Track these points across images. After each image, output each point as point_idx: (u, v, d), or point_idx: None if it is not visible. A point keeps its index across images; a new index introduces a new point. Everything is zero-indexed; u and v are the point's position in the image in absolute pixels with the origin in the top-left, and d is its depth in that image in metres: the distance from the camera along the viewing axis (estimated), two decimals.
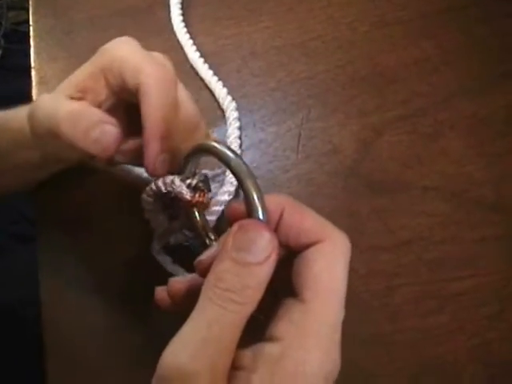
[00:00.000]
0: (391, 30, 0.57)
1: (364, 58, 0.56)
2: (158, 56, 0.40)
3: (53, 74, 0.57)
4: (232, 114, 0.52)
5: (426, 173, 0.49)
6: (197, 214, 0.39)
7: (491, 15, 0.57)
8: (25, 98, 0.50)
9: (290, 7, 0.59)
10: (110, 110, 0.39)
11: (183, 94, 0.40)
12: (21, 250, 0.78)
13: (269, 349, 0.26)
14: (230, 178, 0.47)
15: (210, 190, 0.39)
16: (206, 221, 0.40)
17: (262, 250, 0.25)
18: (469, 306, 0.44)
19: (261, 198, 0.27)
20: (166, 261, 0.44)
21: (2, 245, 0.80)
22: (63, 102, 0.38)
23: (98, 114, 0.37)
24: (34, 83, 0.57)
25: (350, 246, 0.27)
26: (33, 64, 0.58)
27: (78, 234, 0.49)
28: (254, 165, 0.50)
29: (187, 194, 0.37)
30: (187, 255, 0.47)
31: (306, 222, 0.28)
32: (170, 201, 0.40)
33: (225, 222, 0.47)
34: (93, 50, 0.57)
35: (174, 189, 0.37)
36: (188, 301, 0.30)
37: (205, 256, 0.31)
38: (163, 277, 0.46)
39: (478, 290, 0.44)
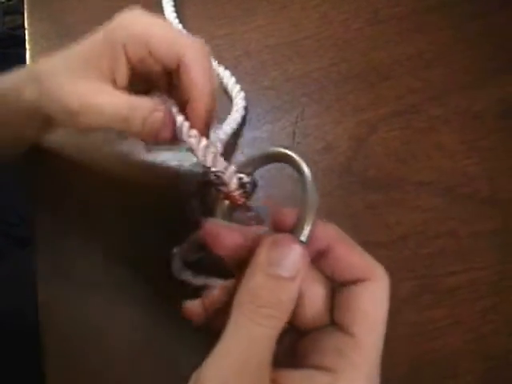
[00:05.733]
0: (384, 27, 0.57)
1: (357, 55, 0.56)
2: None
3: None
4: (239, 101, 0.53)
5: (420, 168, 0.49)
6: (227, 208, 0.38)
7: (484, 10, 0.57)
8: None
9: (283, 6, 0.59)
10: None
11: None
12: (20, 253, 0.78)
13: (319, 378, 0.26)
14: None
15: (250, 197, 0.37)
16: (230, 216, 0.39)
17: (294, 264, 0.26)
18: (464, 300, 0.44)
19: (312, 220, 0.28)
20: (187, 275, 0.44)
21: (1, 248, 0.80)
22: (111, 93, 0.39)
23: (149, 103, 0.38)
24: None
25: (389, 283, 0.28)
26: None
27: (77, 235, 0.50)
28: None
29: (231, 184, 0.36)
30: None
31: (353, 257, 0.29)
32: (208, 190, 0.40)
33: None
34: None
35: (225, 173, 0.35)
36: (221, 313, 0.30)
37: None
38: (162, 278, 0.46)
39: (474, 284, 0.44)
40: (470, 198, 0.48)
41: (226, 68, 0.55)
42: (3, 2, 1.19)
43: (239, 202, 0.36)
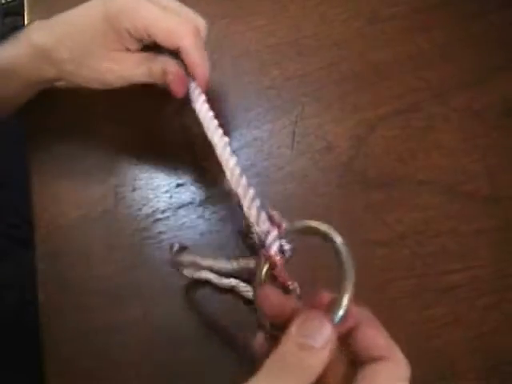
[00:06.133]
0: (385, 26, 0.57)
1: (357, 55, 0.56)
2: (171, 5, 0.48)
3: None
4: None
5: (420, 167, 0.49)
6: (264, 270, 0.37)
7: (485, 9, 0.57)
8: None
9: (282, 5, 0.59)
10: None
11: None
12: (22, 254, 0.78)
13: None
14: None
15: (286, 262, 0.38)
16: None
17: (326, 338, 0.28)
18: (465, 298, 0.44)
19: (347, 303, 0.29)
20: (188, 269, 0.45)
21: (2, 248, 0.80)
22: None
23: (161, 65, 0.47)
24: None
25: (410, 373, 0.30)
26: None
27: (77, 236, 0.50)
28: (249, 162, 0.51)
29: (273, 248, 0.36)
30: None
31: (379, 338, 0.31)
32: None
33: None
34: None
35: (267, 237, 0.36)
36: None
37: None
38: (164, 276, 0.47)
39: (474, 283, 0.44)
40: (471, 197, 0.48)
41: (225, 68, 0.55)
42: (3, 3, 1.19)
43: (277, 268, 0.37)
